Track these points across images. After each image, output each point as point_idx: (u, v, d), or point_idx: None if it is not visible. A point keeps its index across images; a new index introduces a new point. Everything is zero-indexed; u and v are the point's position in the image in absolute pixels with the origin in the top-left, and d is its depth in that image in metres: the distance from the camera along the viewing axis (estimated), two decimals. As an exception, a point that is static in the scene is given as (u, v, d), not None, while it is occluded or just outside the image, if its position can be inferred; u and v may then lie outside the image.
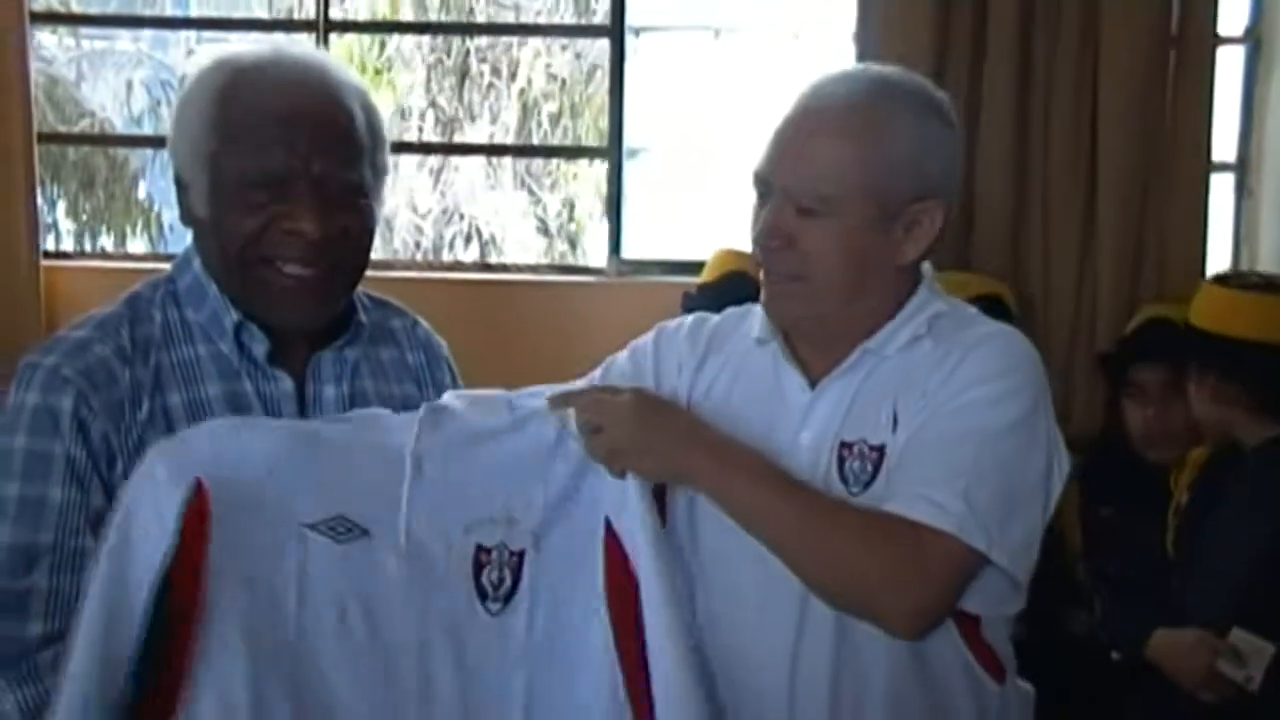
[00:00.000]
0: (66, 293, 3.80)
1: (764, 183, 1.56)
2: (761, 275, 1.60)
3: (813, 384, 1.58)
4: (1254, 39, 3.74)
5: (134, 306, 1.57)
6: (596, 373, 1.69)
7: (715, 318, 1.72)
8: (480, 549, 1.47)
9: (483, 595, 1.47)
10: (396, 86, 6.10)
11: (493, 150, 6.35)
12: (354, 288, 1.61)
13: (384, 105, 5.91)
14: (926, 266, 1.62)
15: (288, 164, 1.47)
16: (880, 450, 1.51)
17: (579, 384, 1.60)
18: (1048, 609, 2.96)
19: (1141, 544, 2.78)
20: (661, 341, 1.70)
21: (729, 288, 3.03)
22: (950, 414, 1.48)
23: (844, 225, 1.51)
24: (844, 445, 1.53)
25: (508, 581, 1.48)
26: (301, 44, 1.60)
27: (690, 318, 1.73)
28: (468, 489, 1.48)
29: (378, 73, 6.05)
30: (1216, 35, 3.55)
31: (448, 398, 1.54)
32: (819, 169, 1.51)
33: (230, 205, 1.50)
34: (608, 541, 1.49)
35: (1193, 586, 2.59)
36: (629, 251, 3.96)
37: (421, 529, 1.45)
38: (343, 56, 5.78)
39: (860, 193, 1.51)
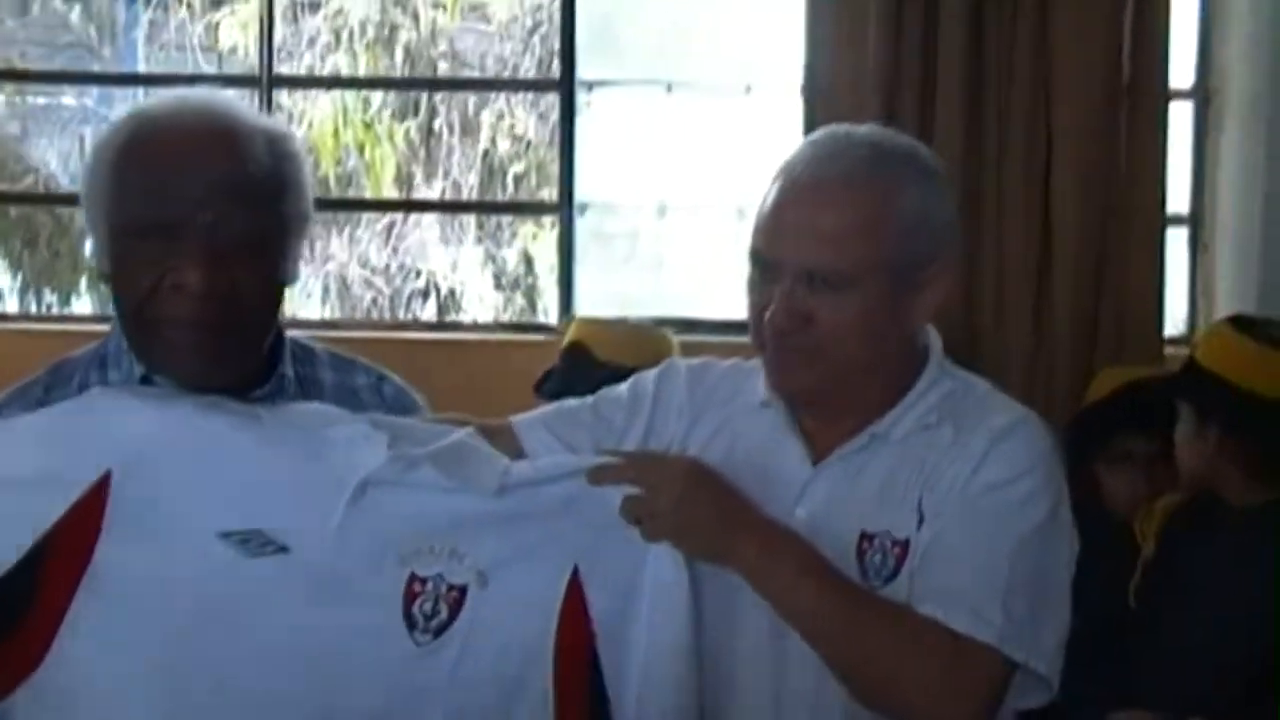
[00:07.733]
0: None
1: (767, 261, 1.49)
2: (764, 348, 1.52)
3: (814, 459, 1.52)
4: (1202, 93, 3.77)
5: (56, 371, 1.53)
6: (588, 400, 1.62)
7: (717, 368, 1.65)
8: (414, 578, 1.37)
9: (411, 625, 1.37)
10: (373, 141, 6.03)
11: (445, 207, 6.30)
12: (256, 346, 1.51)
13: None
14: (935, 338, 1.57)
15: (177, 212, 1.40)
16: (904, 545, 1.46)
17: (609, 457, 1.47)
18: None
19: (1103, 593, 2.65)
20: (664, 382, 1.62)
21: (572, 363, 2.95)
22: (981, 516, 1.43)
23: (861, 299, 1.46)
24: (865, 536, 1.47)
25: (442, 615, 1.37)
26: (216, 93, 1.54)
27: (690, 364, 1.65)
28: (412, 522, 1.38)
29: (367, 127, 5.99)
30: (1168, 89, 3.58)
31: (423, 457, 1.39)
32: (831, 244, 1.46)
33: (123, 260, 1.44)
34: (570, 590, 1.39)
35: (1154, 655, 2.47)
36: (585, 308, 3.90)
37: (348, 552, 1.35)
38: (330, 114, 5.75)
39: (875, 265, 1.46)
